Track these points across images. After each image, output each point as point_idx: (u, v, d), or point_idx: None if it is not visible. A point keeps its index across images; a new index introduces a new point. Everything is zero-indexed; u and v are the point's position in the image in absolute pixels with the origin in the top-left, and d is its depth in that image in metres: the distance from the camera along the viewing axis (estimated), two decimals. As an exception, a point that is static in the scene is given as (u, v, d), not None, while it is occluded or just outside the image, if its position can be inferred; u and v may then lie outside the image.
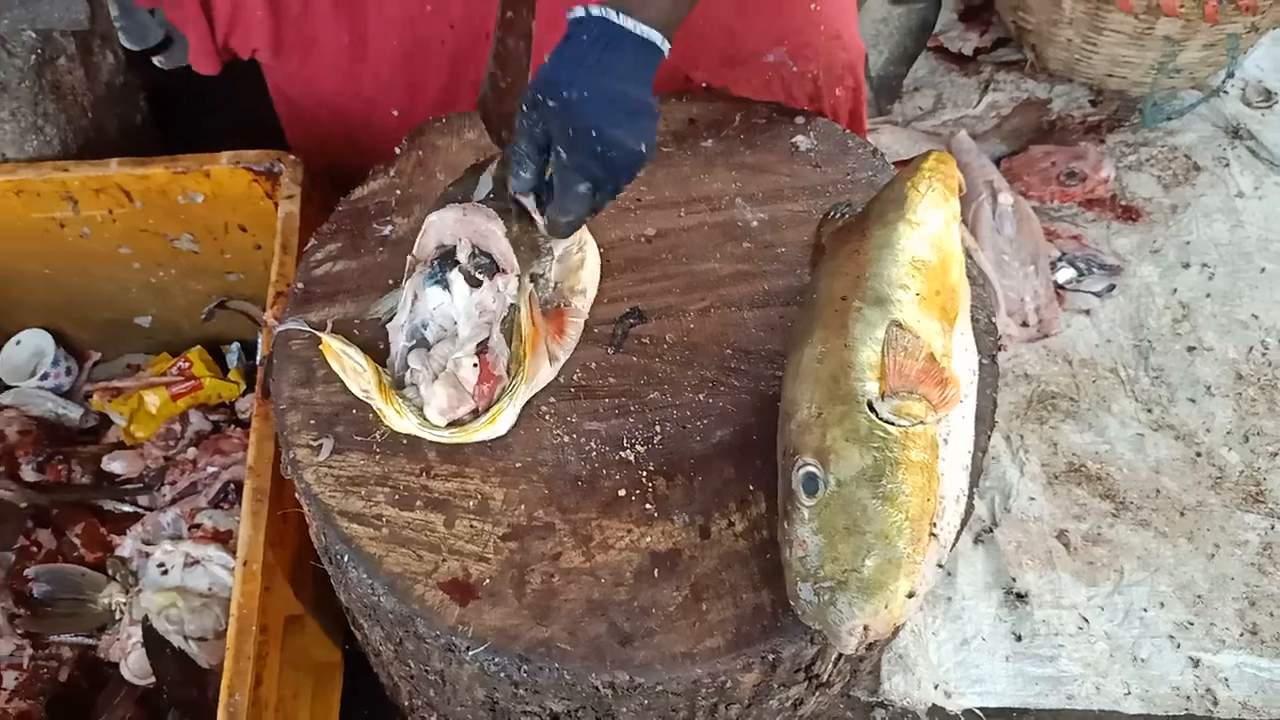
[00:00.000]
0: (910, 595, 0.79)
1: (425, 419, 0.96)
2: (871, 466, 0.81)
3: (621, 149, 0.90)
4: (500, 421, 0.97)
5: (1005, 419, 1.78)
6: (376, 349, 1.03)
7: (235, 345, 1.76)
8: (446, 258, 0.99)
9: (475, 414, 0.97)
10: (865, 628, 0.78)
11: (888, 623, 0.79)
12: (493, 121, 1.09)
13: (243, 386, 1.70)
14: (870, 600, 0.78)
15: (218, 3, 1.34)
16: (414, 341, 0.99)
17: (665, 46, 0.93)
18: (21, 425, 1.63)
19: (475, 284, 0.98)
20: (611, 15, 0.90)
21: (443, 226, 1.00)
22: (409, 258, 1.04)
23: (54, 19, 1.35)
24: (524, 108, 0.91)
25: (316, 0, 1.35)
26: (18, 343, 1.73)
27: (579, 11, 0.91)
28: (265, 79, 1.49)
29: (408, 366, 0.98)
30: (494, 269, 0.99)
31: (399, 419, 0.96)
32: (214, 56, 1.39)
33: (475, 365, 0.96)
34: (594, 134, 0.89)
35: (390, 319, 1.04)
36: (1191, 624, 1.56)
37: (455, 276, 0.98)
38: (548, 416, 1.00)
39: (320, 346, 1.01)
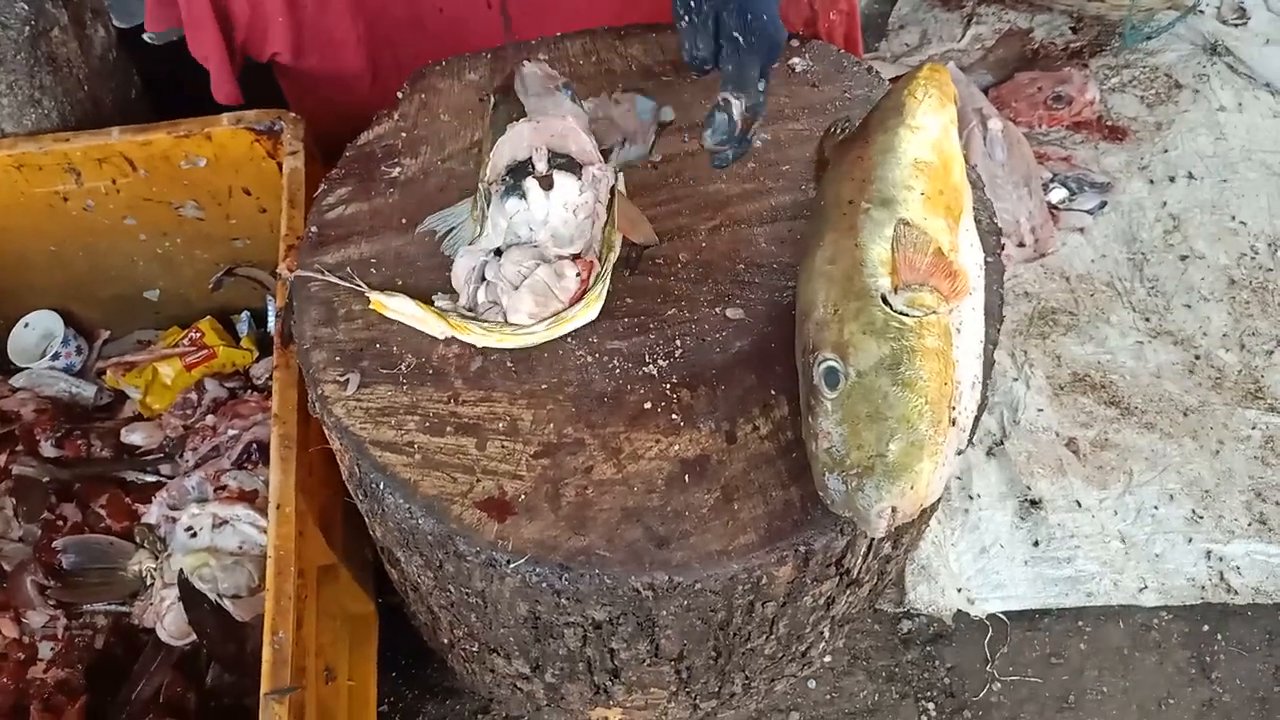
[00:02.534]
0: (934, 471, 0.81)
1: (511, 324, 0.98)
2: (889, 356, 0.83)
3: (782, 33, 0.97)
4: (596, 305, 0.99)
5: (1008, 336, 1.81)
6: (395, 285, 1.04)
7: (245, 314, 1.77)
8: (518, 170, 1.00)
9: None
10: (893, 509, 0.81)
11: (914, 503, 0.81)
12: None
13: (256, 353, 1.70)
14: (896, 482, 0.80)
15: (235, 11, 1.33)
16: (489, 258, 1.01)
17: None
18: (37, 405, 1.63)
19: (549, 186, 0.99)
20: None
21: (517, 141, 1.00)
22: (480, 184, 1.04)
23: (43, -15, 1.35)
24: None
25: None
26: (26, 325, 1.73)
27: None
28: (277, 77, 1.47)
29: (484, 280, 0.99)
30: (575, 166, 1.00)
31: (485, 337, 0.99)
32: (234, 86, 1.38)
33: (579, 274, 0.98)
34: (765, 17, 0.95)
35: (446, 236, 1.06)
36: (1201, 518, 1.59)
37: (530, 184, 0.99)
38: (569, 339, 1.01)
39: (371, 306, 1.03)
